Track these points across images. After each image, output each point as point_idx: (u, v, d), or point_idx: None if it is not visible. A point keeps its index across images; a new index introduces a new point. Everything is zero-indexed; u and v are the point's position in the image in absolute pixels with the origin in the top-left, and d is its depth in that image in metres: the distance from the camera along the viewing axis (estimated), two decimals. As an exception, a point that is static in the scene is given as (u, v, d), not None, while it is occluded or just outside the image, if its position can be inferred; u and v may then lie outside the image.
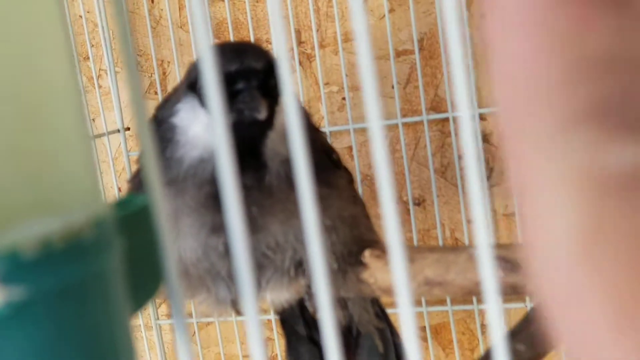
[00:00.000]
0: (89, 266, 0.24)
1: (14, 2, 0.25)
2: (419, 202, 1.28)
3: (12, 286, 0.22)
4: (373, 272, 0.79)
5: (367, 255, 0.79)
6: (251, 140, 0.77)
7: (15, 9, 0.25)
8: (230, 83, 0.74)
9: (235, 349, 1.40)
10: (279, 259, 0.80)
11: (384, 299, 0.94)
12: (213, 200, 0.77)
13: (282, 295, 0.84)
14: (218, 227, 0.77)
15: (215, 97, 0.29)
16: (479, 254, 0.66)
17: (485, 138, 1.22)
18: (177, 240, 0.80)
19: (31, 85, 0.25)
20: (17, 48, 0.25)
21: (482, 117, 1.21)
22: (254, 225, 0.78)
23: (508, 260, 0.71)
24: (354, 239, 0.83)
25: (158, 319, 1.44)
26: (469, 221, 1.25)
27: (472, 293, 0.74)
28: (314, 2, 1.26)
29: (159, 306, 1.44)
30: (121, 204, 0.33)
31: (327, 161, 0.85)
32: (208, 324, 1.41)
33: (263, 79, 0.75)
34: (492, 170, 1.23)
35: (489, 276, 0.29)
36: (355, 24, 0.30)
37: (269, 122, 0.77)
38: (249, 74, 0.74)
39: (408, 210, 1.26)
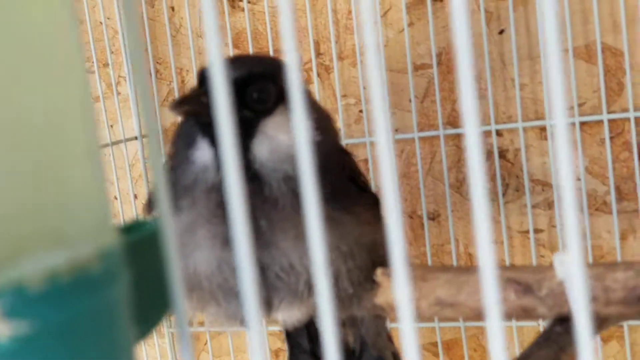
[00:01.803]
0: (95, 299, 0.24)
1: (32, 35, 0.26)
2: (434, 217, 1.27)
3: (17, 320, 0.22)
4: (384, 290, 0.79)
5: (379, 273, 0.79)
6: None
7: (34, 41, 0.26)
8: (202, 85, 0.75)
9: (247, 359, 1.40)
10: (293, 282, 0.79)
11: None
12: (223, 209, 0.76)
13: (294, 314, 0.83)
14: (225, 240, 0.76)
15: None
16: (484, 276, 0.66)
17: (502, 154, 1.22)
18: (193, 252, 0.79)
19: (42, 117, 0.25)
20: (32, 81, 0.25)
21: (498, 133, 1.21)
22: (263, 240, 0.77)
23: (519, 282, 0.71)
24: (373, 264, 0.82)
25: (171, 327, 1.45)
26: (483, 237, 1.24)
27: (483, 315, 0.73)
28: (334, 15, 1.27)
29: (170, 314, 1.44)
30: (129, 228, 0.33)
31: (351, 187, 0.84)
32: (220, 333, 1.42)
33: (231, 87, 0.73)
34: (508, 186, 1.23)
35: (493, 299, 0.29)
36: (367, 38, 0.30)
37: (247, 130, 0.76)
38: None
39: (422, 224, 1.25)
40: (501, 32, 1.20)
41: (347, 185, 0.83)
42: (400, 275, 0.30)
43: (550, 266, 0.70)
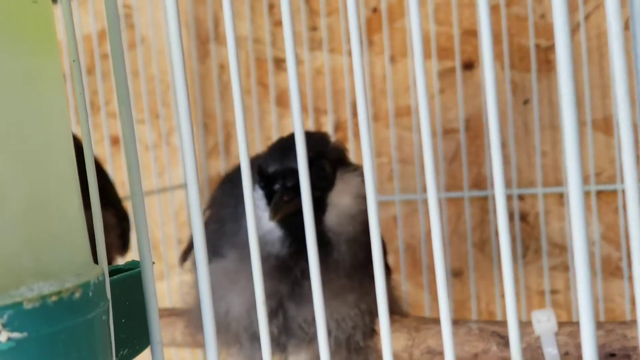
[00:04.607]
0: (76, 319, 0.32)
1: (29, 108, 0.34)
2: (457, 274, 1.33)
3: (15, 328, 0.30)
4: (382, 339, 0.85)
5: (377, 322, 0.85)
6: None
7: (31, 113, 0.34)
8: (271, 183, 0.83)
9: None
10: (312, 332, 0.87)
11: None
12: (276, 271, 0.85)
13: (301, 357, 0.91)
14: (271, 294, 0.85)
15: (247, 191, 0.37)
16: (477, 328, 0.72)
17: (523, 217, 1.28)
18: (228, 295, 0.87)
19: (40, 177, 0.33)
20: (30, 149, 0.33)
21: (520, 197, 1.27)
22: (300, 295, 0.85)
23: (502, 336, 0.77)
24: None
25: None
26: (503, 295, 1.30)
27: (470, 364, 0.80)
28: (371, 78, 1.34)
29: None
30: (122, 268, 0.41)
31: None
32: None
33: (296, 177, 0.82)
34: (528, 248, 1.28)
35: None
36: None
37: (319, 206, 0.83)
38: (286, 174, 0.82)
39: (446, 281, 1.31)
40: (525, 102, 1.26)
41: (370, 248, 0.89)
42: (385, 328, 0.37)
43: (529, 322, 0.76)
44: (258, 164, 0.84)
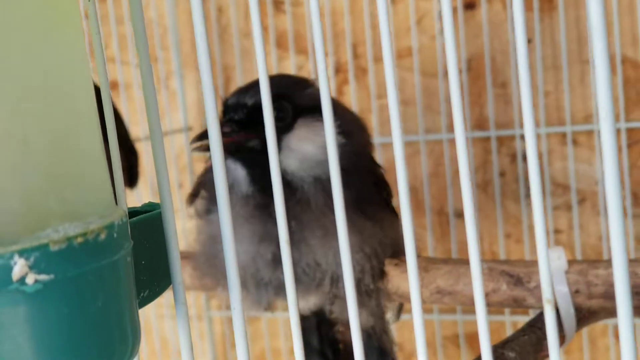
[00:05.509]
0: (102, 260, 0.32)
1: (47, 47, 0.33)
2: (460, 215, 1.33)
3: (42, 270, 0.30)
4: (391, 279, 0.85)
5: (387, 263, 0.85)
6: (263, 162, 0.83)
7: (49, 52, 0.33)
8: (225, 114, 0.84)
9: (280, 343, 1.47)
10: (318, 278, 0.86)
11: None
12: (261, 210, 0.84)
13: (310, 300, 0.91)
14: (266, 236, 0.84)
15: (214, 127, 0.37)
16: (487, 267, 0.72)
17: (525, 157, 1.27)
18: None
19: (62, 116, 0.33)
20: (52, 88, 0.33)
21: (523, 137, 1.27)
22: (293, 239, 0.83)
23: (512, 274, 0.77)
24: (394, 256, 0.89)
25: (209, 310, 1.52)
26: (505, 235, 1.30)
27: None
28: (371, 19, 1.33)
29: (211, 298, 1.52)
30: (140, 211, 0.41)
31: (376, 197, 0.90)
32: (256, 318, 1.49)
33: (250, 113, 0.83)
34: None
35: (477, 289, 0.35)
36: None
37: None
38: (237, 108, 0.83)
39: (449, 222, 1.31)
40: (528, 41, 1.25)
41: (372, 191, 0.89)
42: (412, 269, 0.37)
43: (537, 261, 0.76)
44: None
